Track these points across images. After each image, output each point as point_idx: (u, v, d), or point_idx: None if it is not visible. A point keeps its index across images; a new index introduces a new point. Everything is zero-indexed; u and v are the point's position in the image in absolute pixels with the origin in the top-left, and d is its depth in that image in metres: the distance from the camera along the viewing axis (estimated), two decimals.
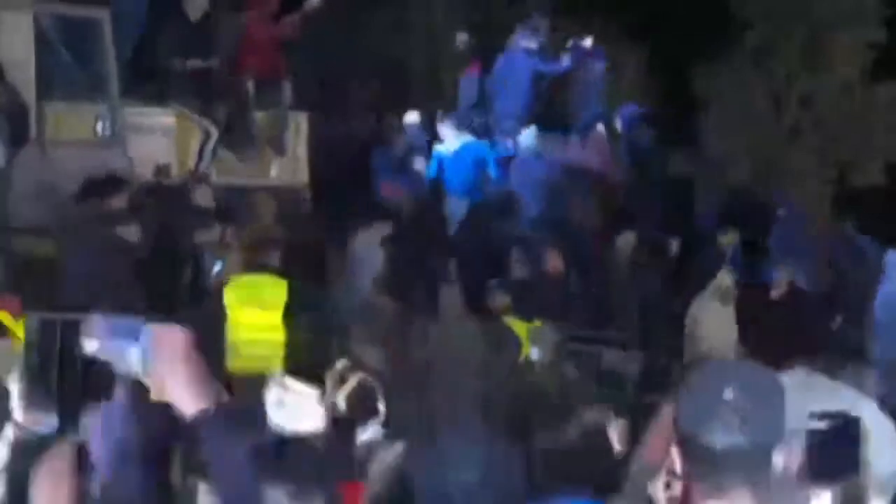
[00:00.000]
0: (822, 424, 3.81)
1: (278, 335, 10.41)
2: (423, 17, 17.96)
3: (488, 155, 15.64)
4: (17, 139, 13.00)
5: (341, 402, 8.03)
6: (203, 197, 12.77)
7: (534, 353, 11.10)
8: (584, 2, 18.49)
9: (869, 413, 4.33)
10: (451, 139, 15.41)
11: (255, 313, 10.42)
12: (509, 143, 15.66)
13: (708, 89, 19.49)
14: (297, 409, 8.18)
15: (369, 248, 13.07)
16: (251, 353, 9.95)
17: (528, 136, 15.35)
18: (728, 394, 3.57)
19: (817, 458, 3.64)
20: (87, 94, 13.95)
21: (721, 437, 3.39)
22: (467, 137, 15.47)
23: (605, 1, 18.79)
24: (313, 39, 15.27)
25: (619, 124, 16.55)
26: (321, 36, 15.48)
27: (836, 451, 3.79)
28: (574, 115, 15.89)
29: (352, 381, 7.98)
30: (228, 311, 10.34)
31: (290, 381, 8.53)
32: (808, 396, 4.31)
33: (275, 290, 10.63)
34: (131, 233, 11.50)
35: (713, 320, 12.76)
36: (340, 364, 8.31)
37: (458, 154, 15.40)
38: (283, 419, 8.29)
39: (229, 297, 10.58)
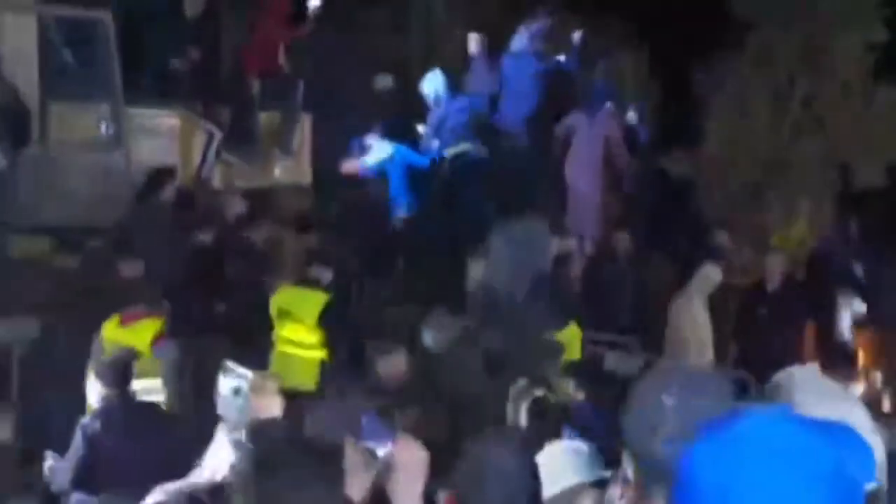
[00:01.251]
0: None
1: (317, 353, 10.33)
2: (423, 17, 18.05)
3: (419, 160, 15.36)
4: (20, 140, 13.06)
5: (522, 416, 8.22)
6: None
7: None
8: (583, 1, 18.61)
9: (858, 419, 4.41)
10: (377, 148, 15.21)
11: (295, 328, 10.35)
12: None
13: (709, 90, 19.64)
14: (256, 398, 8.44)
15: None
16: (288, 368, 9.86)
17: (431, 80, 15.04)
18: (669, 400, 3.58)
19: None
20: (90, 95, 14.05)
21: (666, 445, 3.42)
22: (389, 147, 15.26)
23: (605, 1, 18.94)
24: (314, 40, 15.40)
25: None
26: (322, 36, 15.56)
27: None
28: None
29: (529, 396, 8.13)
30: (274, 322, 10.45)
31: (245, 371, 8.88)
32: (803, 400, 4.35)
33: (313, 306, 10.58)
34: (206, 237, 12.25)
35: (698, 316, 12.72)
36: (522, 382, 8.43)
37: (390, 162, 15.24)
38: (236, 408, 8.66)
39: (273, 307, 10.68)
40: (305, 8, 15.45)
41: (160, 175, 12.99)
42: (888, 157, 17.76)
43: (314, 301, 10.66)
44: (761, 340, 12.48)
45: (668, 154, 16.87)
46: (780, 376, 4.55)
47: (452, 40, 17.22)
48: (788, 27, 19.01)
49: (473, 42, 15.42)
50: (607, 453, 6.66)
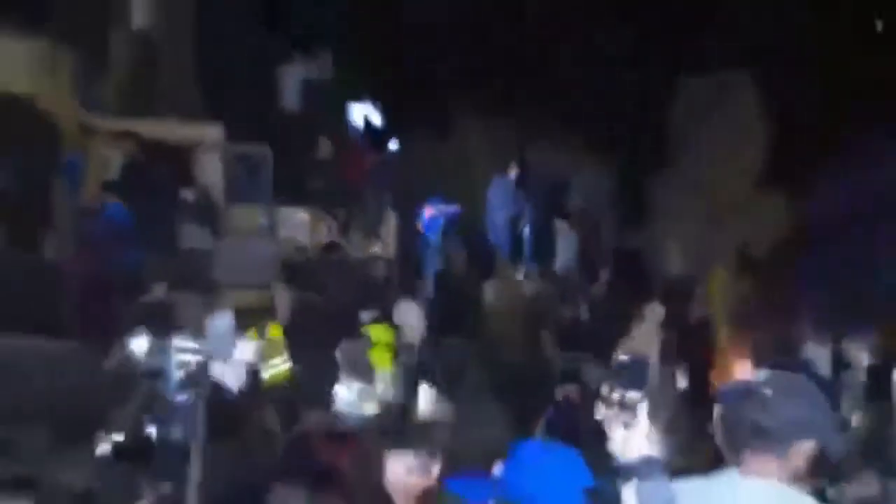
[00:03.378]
0: None
1: None
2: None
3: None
4: (213, 230, 17.34)
5: None
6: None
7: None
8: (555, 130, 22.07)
9: None
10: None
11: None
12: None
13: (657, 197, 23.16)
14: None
15: None
16: None
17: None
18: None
19: None
20: (254, 200, 18.47)
21: None
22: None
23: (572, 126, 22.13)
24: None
25: None
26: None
27: None
28: None
29: None
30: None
31: (359, 382, 10.31)
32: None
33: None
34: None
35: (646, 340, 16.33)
36: None
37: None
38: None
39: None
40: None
41: (332, 247, 17.67)
42: None
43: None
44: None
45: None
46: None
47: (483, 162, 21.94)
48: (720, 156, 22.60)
49: (511, 169, 20.72)
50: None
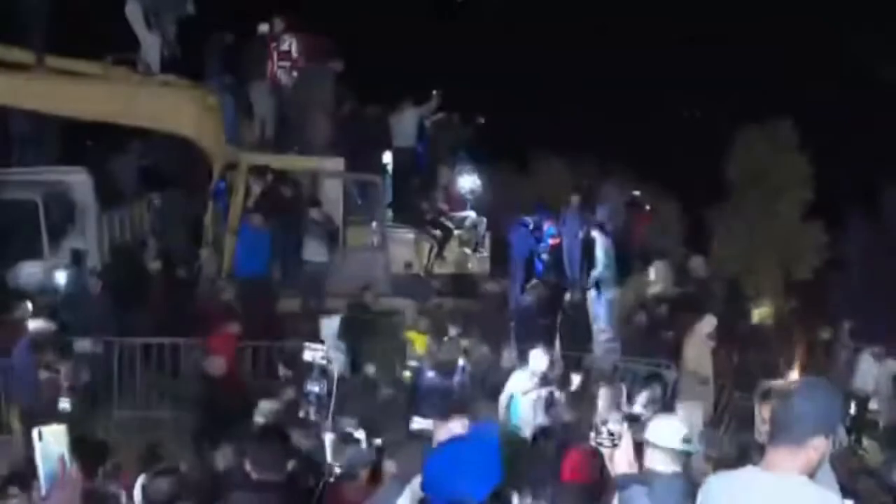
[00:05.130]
0: None
1: None
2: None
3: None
4: (334, 246, 19.63)
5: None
6: None
7: None
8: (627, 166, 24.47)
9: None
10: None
11: None
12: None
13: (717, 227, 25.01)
14: None
15: None
16: None
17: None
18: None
19: None
20: (367, 221, 20.95)
21: None
22: None
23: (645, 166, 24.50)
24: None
25: None
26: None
27: None
28: None
29: None
30: None
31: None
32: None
33: None
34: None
35: (698, 350, 17.51)
36: None
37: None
38: None
39: None
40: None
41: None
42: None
43: None
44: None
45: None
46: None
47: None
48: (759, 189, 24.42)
49: (574, 198, 22.54)
50: None
